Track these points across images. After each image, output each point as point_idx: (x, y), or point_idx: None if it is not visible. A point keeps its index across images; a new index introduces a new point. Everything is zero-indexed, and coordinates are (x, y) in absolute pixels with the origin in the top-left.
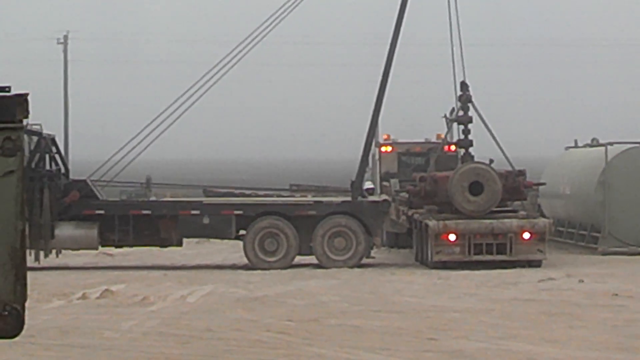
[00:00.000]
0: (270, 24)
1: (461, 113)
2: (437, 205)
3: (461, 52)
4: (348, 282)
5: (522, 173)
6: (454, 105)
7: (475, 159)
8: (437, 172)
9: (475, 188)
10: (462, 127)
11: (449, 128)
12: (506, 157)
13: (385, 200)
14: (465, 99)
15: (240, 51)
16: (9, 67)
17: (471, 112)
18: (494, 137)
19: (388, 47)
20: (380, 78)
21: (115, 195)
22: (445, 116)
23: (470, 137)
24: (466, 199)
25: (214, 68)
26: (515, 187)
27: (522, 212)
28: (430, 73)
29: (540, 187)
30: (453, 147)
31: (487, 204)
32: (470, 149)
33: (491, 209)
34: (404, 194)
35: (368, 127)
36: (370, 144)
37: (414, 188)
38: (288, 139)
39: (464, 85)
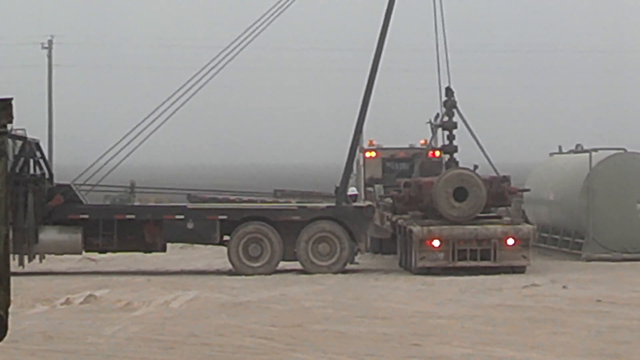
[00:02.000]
0: (256, 29)
1: (446, 119)
2: (422, 210)
3: (446, 58)
4: (332, 288)
5: (506, 179)
6: (439, 111)
7: (460, 165)
8: (422, 177)
9: (460, 194)
10: (446, 132)
11: (434, 134)
12: (490, 163)
13: (369, 205)
14: (450, 105)
15: (225, 56)
16: None
17: (456, 118)
18: (478, 143)
19: (374, 52)
20: (365, 83)
21: (99, 200)
22: (430, 122)
23: (454, 142)
24: (450, 205)
25: (199, 73)
26: (500, 193)
27: (506, 218)
28: (415, 79)
29: (525, 193)
30: (437, 153)
31: (472, 209)
32: (455, 155)
33: (475, 215)
34: (388, 200)
35: (353, 133)
36: (355, 150)
37: (398, 193)
38: (272, 144)
39: (448, 91)
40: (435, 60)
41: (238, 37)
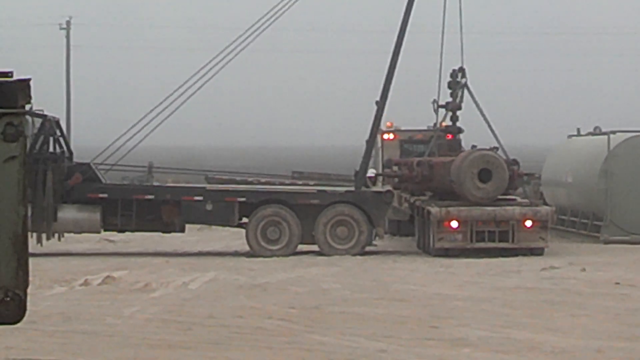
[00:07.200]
0: (278, 11)
1: (451, 99)
2: (433, 190)
3: (461, 39)
4: (350, 270)
5: (516, 162)
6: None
7: (463, 146)
8: (432, 157)
9: (484, 175)
10: (450, 114)
11: (437, 114)
12: (501, 146)
13: (388, 191)
14: (457, 85)
15: (246, 38)
16: (11, 53)
17: (467, 99)
18: (489, 125)
19: (396, 35)
20: (387, 66)
21: (116, 180)
22: (434, 101)
23: (458, 124)
24: (475, 186)
25: (219, 55)
26: (510, 176)
27: (524, 200)
28: (434, 60)
29: (543, 175)
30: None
31: (495, 191)
32: (460, 136)
33: (498, 196)
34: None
35: (373, 118)
36: (375, 135)
37: (410, 172)
38: (290, 126)
39: (459, 71)
40: (455, 41)
41: (260, 19)
